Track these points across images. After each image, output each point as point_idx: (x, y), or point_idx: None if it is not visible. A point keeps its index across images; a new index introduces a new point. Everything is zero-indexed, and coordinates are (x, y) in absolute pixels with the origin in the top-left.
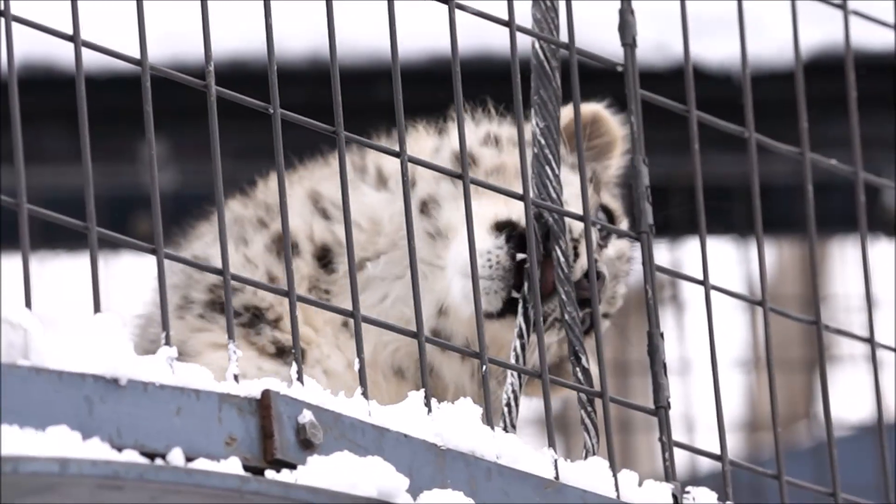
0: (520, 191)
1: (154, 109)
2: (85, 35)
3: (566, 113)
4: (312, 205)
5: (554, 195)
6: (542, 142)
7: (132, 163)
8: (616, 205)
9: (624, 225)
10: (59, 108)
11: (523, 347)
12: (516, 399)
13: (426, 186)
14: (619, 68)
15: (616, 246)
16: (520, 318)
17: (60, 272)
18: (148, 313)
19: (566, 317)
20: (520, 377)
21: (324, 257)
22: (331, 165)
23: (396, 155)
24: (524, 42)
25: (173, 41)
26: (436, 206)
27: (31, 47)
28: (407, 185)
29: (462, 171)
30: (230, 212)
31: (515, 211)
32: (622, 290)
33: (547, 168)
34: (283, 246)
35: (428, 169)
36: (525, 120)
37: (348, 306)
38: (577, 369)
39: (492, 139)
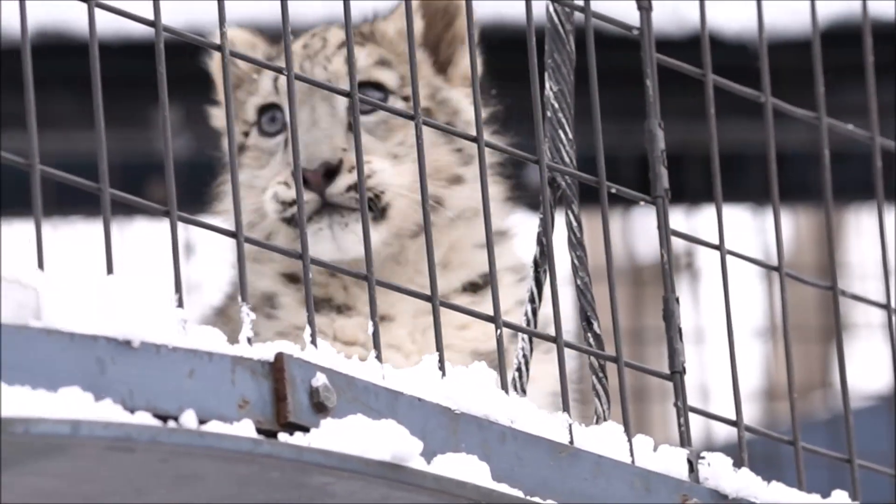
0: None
1: (168, 75)
2: None
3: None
4: None
5: (567, 159)
6: (556, 105)
7: (145, 129)
8: (388, 76)
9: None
10: (72, 75)
11: (534, 312)
12: (527, 363)
13: None
14: (635, 32)
15: None
16: (531, 283)
17: (74, 238)
18: None
19: (578, 282)
20: (531, 341)
21: None
22: None
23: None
24: (540, 9)
25: (189, 7)
26: None
27: (46, 13)
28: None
29: (477, 134)
30: None
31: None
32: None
33: (560, 132)
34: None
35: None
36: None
37: None
38: (589, 334)
39: None
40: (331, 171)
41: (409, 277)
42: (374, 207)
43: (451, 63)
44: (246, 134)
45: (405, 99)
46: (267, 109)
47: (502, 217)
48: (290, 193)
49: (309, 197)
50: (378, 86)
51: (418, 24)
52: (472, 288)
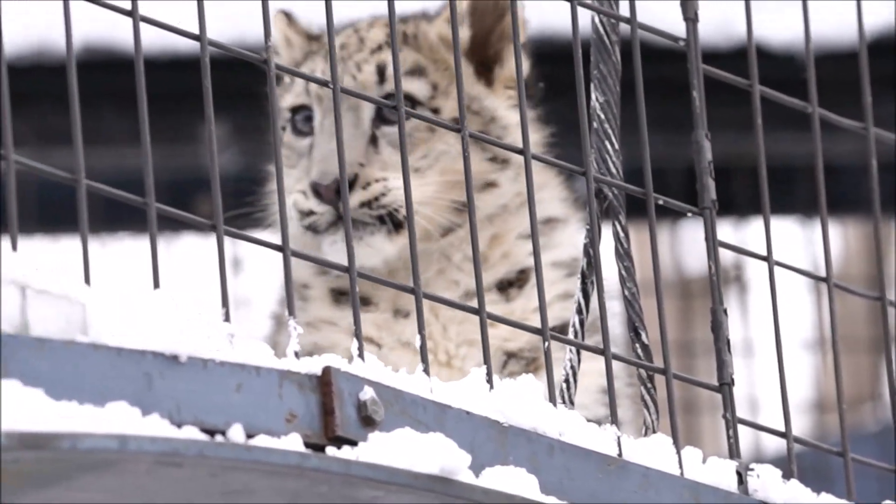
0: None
1: (214, 90)
2: (143, 12)
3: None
4: None
5: (614, 170)
6: (602, 116)
7: (192, 144)
8: (417, 87)
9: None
10: (119, 90)
11: (582, 323)
12: (574, 375)
13: None
14: (682, 43)
15: None
16: (578, 294)
17: (121, 254)
18: None
19: (625, 292)
20: (578, 353)
21: None
22: None
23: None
24: (586, 20)
25: (235, 21)
26: None
27: (92, 29)
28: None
29: (524, 146)
30: None
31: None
32: None
33: (606, 143)
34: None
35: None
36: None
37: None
38: (637, 345)
39: None
40: None
41: (438, 271)
42: (389, 221)
43: (499, 61)
44: (282, 129)
45: (434, 111)
46: (299, 110)
47: (557, 205)
48: (308, 204)
49: (324, 209)
50: (406, 97)
51: (464, 32)
52: (501, 287)
